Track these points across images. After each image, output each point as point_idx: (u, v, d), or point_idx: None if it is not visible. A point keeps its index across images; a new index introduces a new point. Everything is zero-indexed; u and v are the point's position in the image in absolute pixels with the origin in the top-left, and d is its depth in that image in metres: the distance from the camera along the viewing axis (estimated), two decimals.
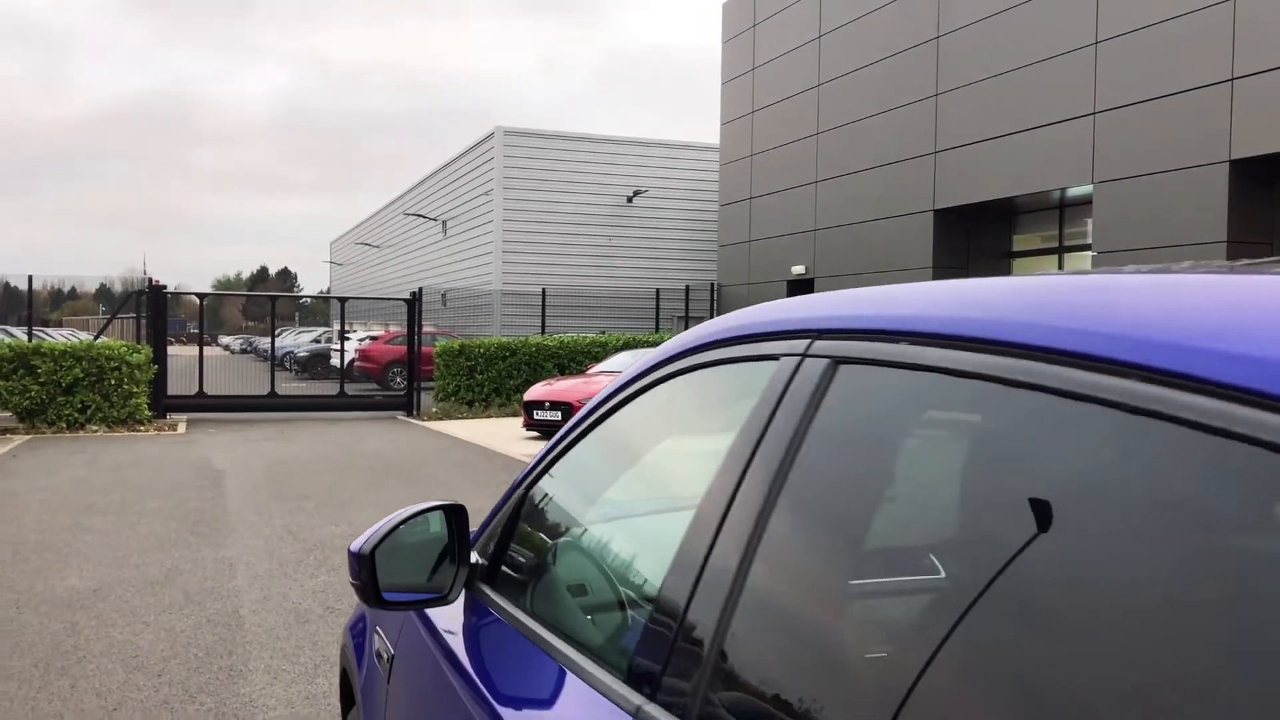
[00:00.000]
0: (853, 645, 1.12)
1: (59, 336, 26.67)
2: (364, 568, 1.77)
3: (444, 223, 36.85)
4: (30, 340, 18.07)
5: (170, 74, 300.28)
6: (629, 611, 1.50)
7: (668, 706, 1.20)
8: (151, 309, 19.66)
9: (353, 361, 26.86)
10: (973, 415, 1.08)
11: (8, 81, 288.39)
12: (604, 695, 1.32)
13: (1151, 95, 11.90)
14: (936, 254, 15.39)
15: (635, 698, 1.26)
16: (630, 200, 31.41)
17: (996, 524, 0.97)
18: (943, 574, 1.08)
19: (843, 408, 1.17)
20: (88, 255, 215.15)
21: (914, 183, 15.90)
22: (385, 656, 2.24)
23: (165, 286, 20.22)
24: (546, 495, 1.96)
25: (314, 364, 33.99)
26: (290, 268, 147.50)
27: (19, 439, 15.67)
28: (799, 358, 1.24)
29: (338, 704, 3.90)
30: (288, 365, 35.29)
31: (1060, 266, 15.05)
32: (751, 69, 20.66)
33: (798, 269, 19.21)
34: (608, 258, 30.93)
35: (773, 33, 19.89)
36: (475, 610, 1.88)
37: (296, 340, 40.75)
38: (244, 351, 45.61)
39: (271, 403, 19.93)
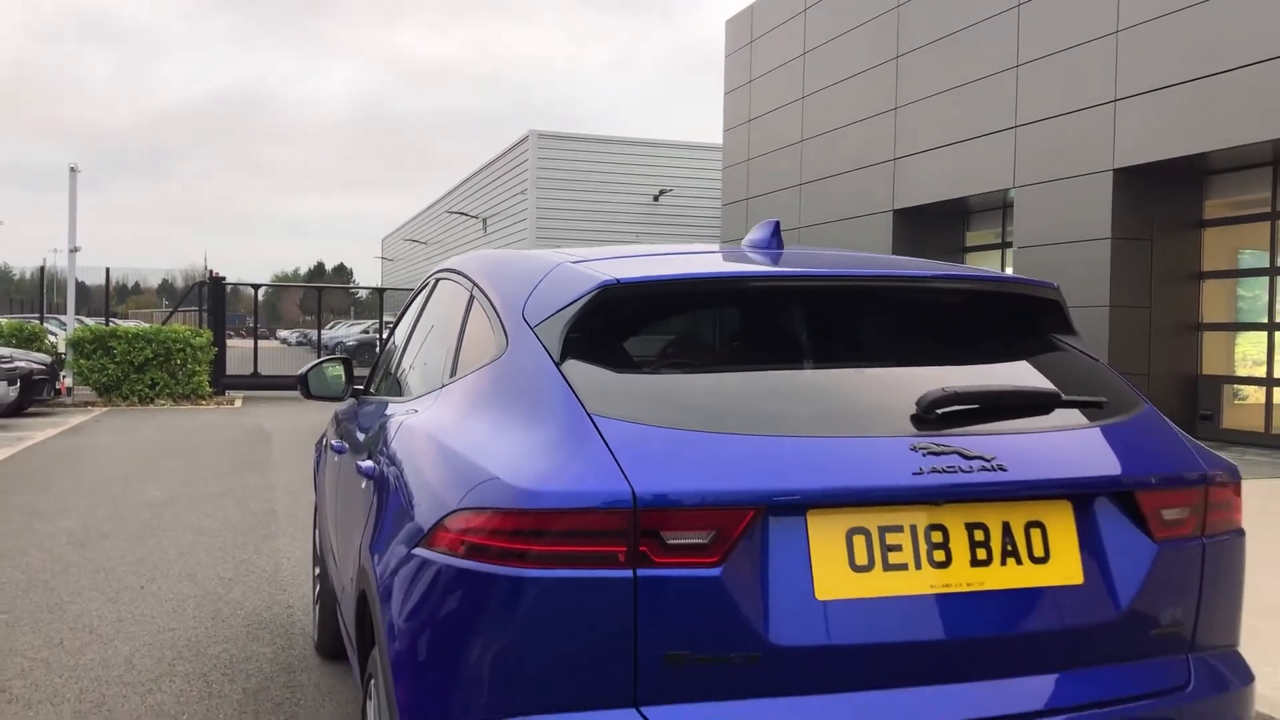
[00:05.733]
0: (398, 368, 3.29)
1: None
2: (300, 382, 4.00)
3: (484, 220, 39.07)
4: (107, 326, 20.70)
5: (240, 73, 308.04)
6: (395, 373, 3.67)
7: (378, 388, 3.40)
8: (212, 298, 22.26)
9: None
10: (451, 300, 3.18)
11: (87, 82, 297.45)
12: (394, 402, 3.45)
13: (1055, 112, 13.82)
14: (895, 249, 17.35)
15: (388, 398, 3.41)
16: (656, 199, 33.30)
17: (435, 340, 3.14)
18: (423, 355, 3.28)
19: (435, 297, 3.35)
20: (155, 250, 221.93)
21: (876, 186, 17.91)
22: (324, 444, 4.44)
23: (224, 278, 22.81)
24: (385, 347, 4.14)
25: (361, 352, 36.54)
26: (346, 263, 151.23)
27: (99, 409, 18.20)
28: (435, 280, 3.42)
29: None
30: (338, 354, 37.87)
31: (1003, 259, 16.97)
32: (749, 81, 22.72)
33: None
34: None
35: (766, 49, 21.94)
36: (359, 403, 4.06)
37: (348, 331, 43.54)
38: (299, 344, 48.37)
39: None
